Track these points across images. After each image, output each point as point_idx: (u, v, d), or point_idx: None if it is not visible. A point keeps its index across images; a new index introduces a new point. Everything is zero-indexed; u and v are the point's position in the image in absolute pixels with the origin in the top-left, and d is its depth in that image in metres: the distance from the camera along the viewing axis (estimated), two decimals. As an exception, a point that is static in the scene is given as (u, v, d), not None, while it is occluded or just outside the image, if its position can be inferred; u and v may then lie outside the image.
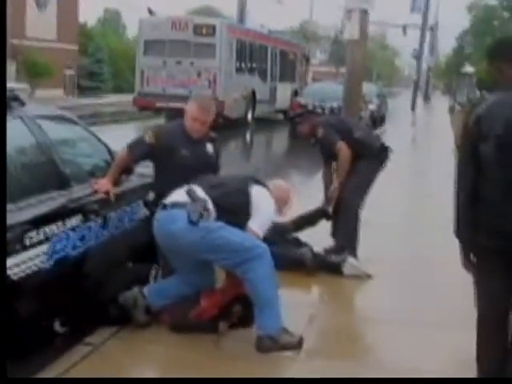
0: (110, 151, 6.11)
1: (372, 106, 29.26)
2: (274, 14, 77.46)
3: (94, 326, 5.41)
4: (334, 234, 7.71)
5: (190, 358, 5.04)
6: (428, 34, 55.62)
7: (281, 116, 33.18)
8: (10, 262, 4.28)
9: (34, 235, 4.60)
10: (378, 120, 30.93)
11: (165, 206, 5.21)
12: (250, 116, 29.18)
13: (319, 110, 23.90)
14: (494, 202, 3.84)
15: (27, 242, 4.53)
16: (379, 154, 7.65)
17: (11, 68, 37.78)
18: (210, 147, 6.02)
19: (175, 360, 5.07)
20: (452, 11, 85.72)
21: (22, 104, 5.13)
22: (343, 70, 18.36)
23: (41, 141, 5.06)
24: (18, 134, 4.87)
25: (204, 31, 26.27)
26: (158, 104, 25.36)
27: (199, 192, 5.17)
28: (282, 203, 5.62)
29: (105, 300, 5.60)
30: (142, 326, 5.43)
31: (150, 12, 28.12)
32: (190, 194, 5.14)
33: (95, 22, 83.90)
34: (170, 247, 5.28)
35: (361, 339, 5.96)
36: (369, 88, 27.97)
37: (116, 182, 5.79)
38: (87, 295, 5.43)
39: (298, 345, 5.07)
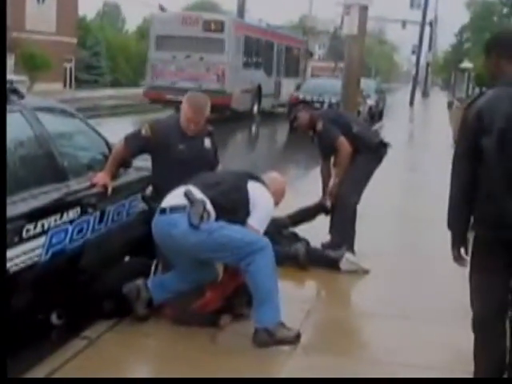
0: (108, 144, 6.11)
1: (370, 102, 29.27)
2: (274, 8, 77.42)
3: (90, 320, 5.41)
4: (331, 229, 7.71)
5: (187, 353, 5.04)
6: (427, 30, 55.55)
7: (285, 110, 33.34)
8: (7, 254, 4.28)
9: (31, 228, 4.60)
10: (376, 115, 30.96)
11: (163, 211, 5.16)
12: (255, 109, 29.98)
13: (317, 105, 23.97)
14: (495, 193, 3.85)
15: (24, 235, 4.53)
16: (378, 150, 7.62)
17: (10, 61, 37.75)
18: (207, 142, 6.01)
19: (171, 354, 5.06)
20: (451, 7, 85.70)
21: (21, 97, 5.13)
22: (342, 64, 18.36)
23: (39, 134, 5.06)
24: (16, 126, 4.87)
25: (213, 27, 27.18)
26: (168, 96, 25.45)
27: (197, 193, 5.13)
28: (278, 196, 5.62)
29: (102, 293, 5.60)
30: (140, 319, 5.43)
31: (162, 9, 29.30)
32: (188, 196, 5.10)
33: (94, 15, 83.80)
34: (172, 249, 5.27)
35: (357, 334, 5.97)
36: (367, 83, 28.00)
37: (114, 176, 5.80)
38: (84, 288, 5.44)
39: (295, 339, 5.08)
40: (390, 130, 24.52)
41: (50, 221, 4.84)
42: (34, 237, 4.65)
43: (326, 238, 7.66)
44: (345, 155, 7.31)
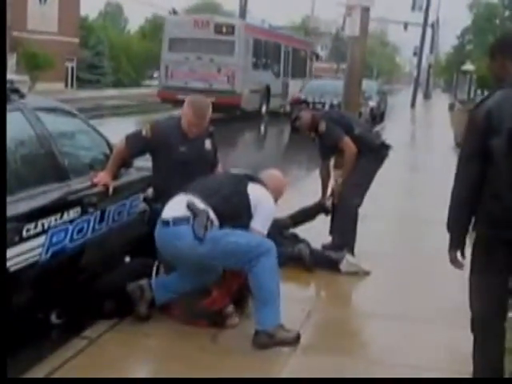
0: (108, 144, 6.11)
1: (372, 103, 29.23)
2: (276, 9, 77.43)
3: (90, 320, 5.41)
4: (332, 231, 7.70)
5: (187, 353, 5.04)
6: (429, 32, 55.55)
7: None
8: (7, 253, 4.28)
9: (31, 227, 4.60)
10: (377, 117, 30.93)
11: (166, 223, 5.13)
12: (264, 109, 30.94)
13: (319, 106, 23.98)
14: (502, 194, 3.85)
15: (25, 234, 4.54)
16: (379, 151, 7.60)
17: (11, 60, 37.81)
18: (207, 143, 6.00)
19: (172, 354, 5.06)
20: (453, 9, 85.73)
21: (22, 96, 5.13)
22: (344, 66, 18.37)
23: (40, 133, 5.07)
24: (17, 126, 4.87)
25: (224, 30, 28.32)
26: (180, 96, 25.49)
27: (199, 203, 5.12)
28: (277, 193, 5.64)
29: (102, 293, 5.60)
30: (142, 319, 5.43)
31: (174, 12, 30.83)
32: (190, 208, 5.07)
33: (96, 15, 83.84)
34: (177, 259, 5.30)
35: (357, 335, 5.96)
36: (369, 85, 27.99)
37: (115, 175, 5.80)
38: (84, 288, 5.44)
39: (295, 340, 5.09)
40: (391, 131, 24.52)
41: (51, 220, 4.84)
42: (35, 236, 4.65)
43: (326, 238, 7.65)
44: (351, 154, 7.26)
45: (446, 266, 4.67)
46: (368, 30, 13.59)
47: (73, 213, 5.13)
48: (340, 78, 28.48)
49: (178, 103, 27.19)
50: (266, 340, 5.00)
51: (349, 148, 7.25)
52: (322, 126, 7.40)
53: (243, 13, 42.33)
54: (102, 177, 5.63)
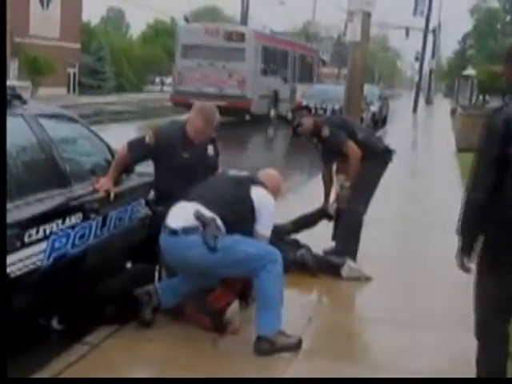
0: (110, 150, 6.12)
1: (373, 108, 29.26)
2: (277, 14, 77.49)
3: (92, 325, 5.41)
4: (335, 236, 7.69)
5: (188, 357, 5.04)
6: (430, 37, 55.56)
7: None
8: (8, 259, 4.29)
9: (33, 233, 4.61)
10: (379, 122, 30.94)
11: (175, 232, 5.13)
12: (272, 113, 31.77)
13: (321, 112, 23.98)
14: None
15: (26, 240, 4.54)
16: (383, 156, 7.58)
17: (13, 66, 37.85)
18: (210, 149, 6.01)
19: (173, 359, 5.06)
20: (454, 14, 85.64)
21: (24, 102, 5.14)
22: (345, 71, 18.37)
23: (41, 139, 5.07)
24: (19, 132, 4.88)
25: (234, 37, 29.78)
26: (191, 101, 25.68)
27: (205, 211, 5.13)
28: (276, 193, 5.67)
29: (104, 299, 5.60)
30: (145, 325, 5.44)
31: (187, 20, 32.76)
32: (199, 217, 5.07)
33: (98, 20, 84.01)
34: (185, 268, 5.33)
35: (359, 340, 5.96)
36: (370, 90, 28.02)
37: (116, 181, 5.80)
38: (86, 294, 5.44)
39: (296, 346, 5.12)
40: (393, 136, 24.51)
41: (52, 226, 4.85)
42: (36, 242, 4.65)
43: (328, 244, 7.65)
44: (355, 158, 7.19)
45: (448, 270, 4.67)
46: (369, 35, 13.60)
47: (74, 218, 5.14)
48: (342, 83, 28.52)
49: (191, 107, 27.83)
50: (267, 346, 5.02)
51: (353, 152, 7.20)
52: (326, 131, 7.35)
53: (244, 18, 42.53)
54: (104, 182, 5.64)
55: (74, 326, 5.45)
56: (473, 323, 4.21)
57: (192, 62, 29.62)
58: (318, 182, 7.98)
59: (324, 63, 47.48)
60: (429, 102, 62.53)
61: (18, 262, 4.46)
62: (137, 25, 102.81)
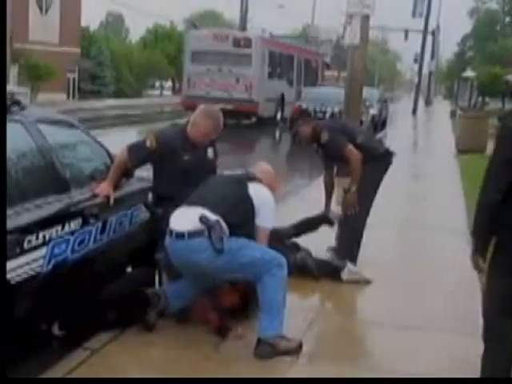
0: (109, 155, 6.11)
1: (373, 111, 29.21)
2: (276, 17, 77.54)
3: (93, 330, 5.41)
4: (338, 240, 7.67)
5: (190, 362, 5.04)
6: (429, 39, 55.57)
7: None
8: (8, 265, 4.29)
9: (32, 239, 4.61)
10: (379, 124, 30.91)
11: (181, 236, 5.14)
12: (279, 116, 32.70)
13: (320, 115, 23.95)
14: None
15: (26, 246, 4.54)
16: (383, 159, 7.55)
17: (13, 71, 37.89)
18: (210, 151, 6.03)
19: (174, 364, 5.06)
20: (454, 16, 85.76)
21: (22, 108, 5.14)
22: (345, 74, 18.39)
23: (40, 144, 5.07)
24: (18, 138, 4.88)
25: (242, 43, 30.82)
26: (200, 105, 25.91)
27: (209, 214, 5.14)
28: (272, 187, 5.68)
29: (105, 304, 5.60)
30: (148, 328, 5.45)
31: (195, 26, 34.37)
32: (204, 221, 5.09)
33: (98, 25, 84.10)
34: (190, 271, 5.34)
35: (360, 343, 5.96)
36: (370, 92, 27.94)
37: (116, 186, 5.80)
38: (86, 299, 5.44)
39: (296, 350, 5.14)
40: (393, 138, 24.53)
41: (52, 231, 4.84)
42: (36, 247, 4.65)
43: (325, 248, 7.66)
44: (356, 161, 7.13)
45: (448, 272, 4.72)
46: (368, 37, 13.65)
47: (74, 224, 5.13)
48: (341, 85, 28.58)
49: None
50: (268, 350, 5.04)
51: (353, 155, 7.16)
52: (325, 136, 7.31)
53: (244, 22, 42.61)
54: (103, 187, 5.63)
55: (75, 331, 5.45)
56: (474, 326, 4.21)
57: (201, 67, 30.53)
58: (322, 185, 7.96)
59: (328, 67, 48.53)
60: (428, 103, 62.56)
61: (18, 268, 4.46)
62: (136, 29, 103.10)
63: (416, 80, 56.41)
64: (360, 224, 7.44)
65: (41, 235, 4.70)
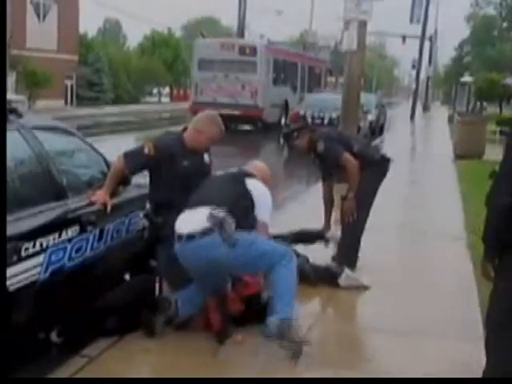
0: (106, 162, 6.12)
1: (371, 117, 29.23)
2: (274, 24, 77.68)
3: (91, 338, 5.41)
4: (337, 246, 7.69)
5: (188, 368, 5.03)
6: (427, 44, 55.65)
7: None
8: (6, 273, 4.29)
9: (30, 246, 4.61)
10: (376, 130, 30.94)
11: (191, 237, 5.17)
12: (283, 121, 33.28)
13: (318, 121, 23.96)
14: None
15: (23, 254, 4.54)
16: (381, 165, 7.58)
17: (11, 79, 37.89)
18: (206, 157, 6.06)
19: (172, 370, 5.05)
20: (451, 21, 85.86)
21: (19, 116, 5.15)
22: (342, 79, 18.42)
23: (37, 152, 5.07)
24: (14, 145, 4.88)
25: (247, 51, 32.07)
26: (209, 110, 26.39)
27: (216, 212, 5.21)
28: (266, 182, 5.83)
29: (103, 311, 5.60)
30: (149, 333, 5.45)
31: (203, 35, 34.99)
32: (213, 218, 5.15)
33: (95, 32, 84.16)
34: (205, 272, 5.34)
35: (359, 348, 5.95)
36: (368, 98, 27.98)
37: (113, 193, 5.80)
38: (84, 306, 5.44)
39: (300, 343, 5.23)
40: (391, 144, 24.55)
41: (49, 239, 4.85)
42: (33, 255, 4.65)
43: (325, 254, 7.65)
44: (353, 168, 7.18)
45: (446, 278, 4.72)
46: (366, 43, 13.66)
47: (71, 231, 5.13)
48: (339, 91, 28.66)
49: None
50: (275, 332, 5.08)
51: (350, 162, 7.19)
52: (321, 146, 7.34)
53: (241, 28, 42.84)
54: (100, 195, 5.63)
55: (73, 338, 5.44)
56: (473, 331, 4.21)
57: (208, 74, 31.60)
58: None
59: (331, 73, 50.44)
60: (426, 109, 62.61)
61: (16, 275, 4.46)
62: (134, 36, 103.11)
63: (414, 86, 56.45)
64: (358, 230, 7.46)
65: (38, 243, 4.71)
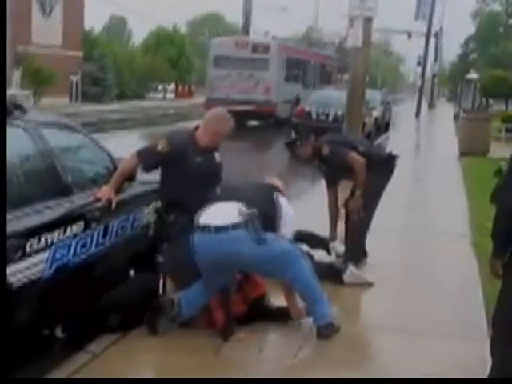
0: (111, 158, 6.11)
1: (376, 113, 29.16)
2: (279, 20, 77.63)
3: (95, 334, 5.42)
4: (345, 245, 7.70)
5: (190, 366, 5.03)
6: (432, 41, 55.56)
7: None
8: (10, 269, 4.29)
9: (34, 243, 4.61)
10: (382, 127, 30.90)
11: (221, 229, 5.24)
12: None
13: (323, 117, 23.94)
14: None
15: (28, 250, 4.54)
16: (387, 163, 7.60)
17: (16, 75, 37.92)
18: (217, 155, 6.04)
19: (175, 368, 5.05)
20: (456, 18, 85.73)
21: (24, 112, 5.14)
22: (347, 76, 18.38)
23: (42, 148, 5.07)
24: (19, 142, 4.89)
25: (260, 49, 33.42)
26: (222, 107, 26.75)
27: (246, 209, 5.33)
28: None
29: (107, 307, 5.61)
30: (153, 332, 5.46)
31: (218, 34, 36.37)
32: (243, 214, 5.27)
33: (101, 28, 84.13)
34: (222, 267, 5.37)
35: (362, 347, 5.94)
36: (373, 95, 27.91)
37: (118, 190, 5.79)
38: (88, 302, 5.45)
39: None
40: (396, 141, 24.52)
41: (54, 235, 4.85)
42: (38, 251, 4.66)
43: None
44: (360, 167, 7.20)
45: (451, 277, 4.71)
46: (371, 40, 13.63)
47: (76, 228, 5.14)
48: (344, 88, 28.62)
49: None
50: (331, 330, 5.59)
51: (357, 161, 7.20)
52: (326, 150, 7.38)
53: (246, 25, 43.02)
54: (106, 191, 5.63)
55: (78, 334, 5.45)
56: (476, 330, 4.20)
57: (223, 71, 32.61)
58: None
59: (341, 70, 51.15)
60: (431, 106, 62.48)
61: (20, 272, 4.46)
62: (139, 33, 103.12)
63: (419, 83, 56.37)
64: (363, 228, 7.47)
65: (43, 239, 4.71)
